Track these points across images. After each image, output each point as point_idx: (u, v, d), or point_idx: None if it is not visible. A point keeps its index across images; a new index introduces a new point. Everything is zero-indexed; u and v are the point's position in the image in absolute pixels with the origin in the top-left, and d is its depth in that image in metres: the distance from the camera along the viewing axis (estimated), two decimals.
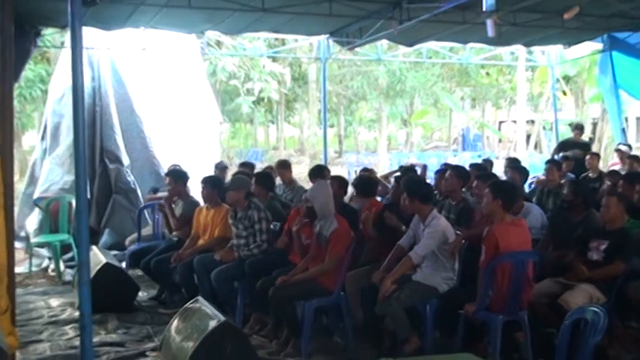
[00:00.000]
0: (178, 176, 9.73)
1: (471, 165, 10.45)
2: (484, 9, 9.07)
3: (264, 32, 14.14)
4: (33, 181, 12.10)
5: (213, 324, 5.95)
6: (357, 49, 14.83)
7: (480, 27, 10.80)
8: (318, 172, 9.64)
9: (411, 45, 14.52)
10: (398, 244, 7.04)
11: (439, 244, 6.69)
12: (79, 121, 4.43)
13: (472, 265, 6.75)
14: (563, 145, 14.76)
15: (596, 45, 15.41)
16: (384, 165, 25.56)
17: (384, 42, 14.92)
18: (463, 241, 7.07)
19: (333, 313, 7.39)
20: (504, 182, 7.70)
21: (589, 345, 4.58)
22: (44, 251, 11.46)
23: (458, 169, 7.69)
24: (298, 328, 7.01)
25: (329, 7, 10.67)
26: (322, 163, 12.69)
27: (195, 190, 9.75)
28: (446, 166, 9.45)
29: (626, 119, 24.41)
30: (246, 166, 11.56)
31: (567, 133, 22.90)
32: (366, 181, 8.81)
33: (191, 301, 6.70)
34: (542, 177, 11.59)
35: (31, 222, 11.65)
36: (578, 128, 15.77)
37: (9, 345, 3.52)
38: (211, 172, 10.83)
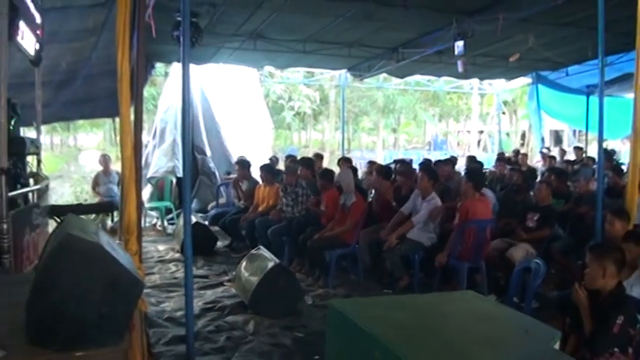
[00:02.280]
0: (244, 164, 9.95)
1: (437, 161, 10.31)
2: (456, 53, 9.01)
3: (303, 67, 14.33)
4: (146, 165, 12.13)
5: (270, 264, 5.96)
6: (365, 80, 14.78)
7: (450, 65, 10.91)
8: (345, 160, 10.40)
9: (402, 77, 14.73)
10: (400, 210, 7.03)
11: (432, 213, 6.68)
12: (186, 125, 4.38)
13: (446, 229, 6.77)
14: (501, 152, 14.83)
15: (527, 80, 15.54)
16: (380, 159, 25.71)
17: (383, 75, 14.88)
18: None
19: (350, 259, 7.36)
20: (475, 171, 7.78)
21: (533, 286, 4.52)
22: (154, 213, 11.48)
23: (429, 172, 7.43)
24: (326, 269, 7.00)
25: (348, 51, 11.04)
26: (340, 157, 12.69)
27: (255, 173, 9.76)
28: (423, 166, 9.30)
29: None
30: (292, 157, 11.58)
31: (505, 140, 22.88)
32: (387, 169, 8.81)
33: (254, 249, 6.69)
34: (493, 169, 11.58)
35: (145, 193, 11.67)
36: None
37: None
38: (266, 161, 10.80)
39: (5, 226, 4.57)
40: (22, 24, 5.54)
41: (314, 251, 7.10)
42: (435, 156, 17.75)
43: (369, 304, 3.32)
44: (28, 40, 6.20)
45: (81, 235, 2.62)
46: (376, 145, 36.48)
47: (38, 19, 6.65)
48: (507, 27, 8.26)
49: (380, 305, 3.22)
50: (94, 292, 2.56)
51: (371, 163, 11.12)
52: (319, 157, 11.36)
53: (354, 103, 31.49)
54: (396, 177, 8.58)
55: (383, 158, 24.31)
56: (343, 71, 14.22)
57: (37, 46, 6.74)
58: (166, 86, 14.01)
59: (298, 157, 11.30)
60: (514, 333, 2.78)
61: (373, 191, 8.44)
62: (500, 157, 12.23)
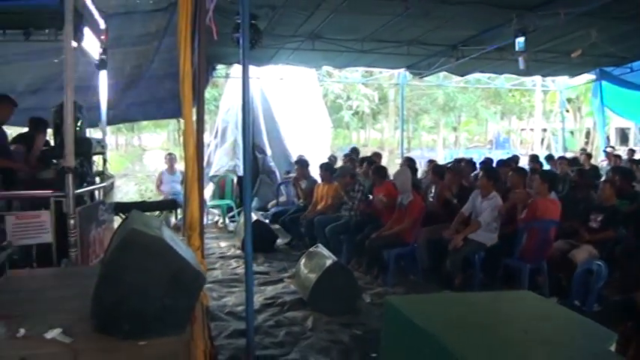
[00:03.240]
0: (303, 163, 10.02)
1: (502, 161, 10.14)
2: (516, 49, 8.84)
3: (361, 67, 14.33)
4: (208, 164, 12.37)
5: (329, 262, 6.00)
6: (424, 78, 14.65)
7: (511, 62, 10.65)
8: (405, 160, 10.41)
9: (462, 75, 14.48)
10: (461, 211, 6.95)
11: (495, 213, 6.57)
12: (246, 126, 4.46)
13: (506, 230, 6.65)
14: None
15: (590, 76, 15.00)
16: (440, 159, 25.43)
17: (443, 72, 14.70)
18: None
19: (409, 258, 7.31)
20: (551, 172, 7.64)
21: (595, 288, 4.40)
22: (215, 210, 11.71)
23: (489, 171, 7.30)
24: (385, 267, 6.99)
25: (407, 49, 10.91)
26: (399, 157, 12.67)
27: (314, 172, 9.82)
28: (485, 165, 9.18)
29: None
30: (350, 156, 11.56)
31: (569, 138, 22.18)
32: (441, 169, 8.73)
33: (313, 247, 6.75)
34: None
35: (207, 191, 11.90)
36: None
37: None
38: (325, 160, 10.84)
39: (73, 221, 4.80)
40: (86, 30, 5.79)
41: (372, 250, 7.10)
42: (496, 155, 17.43)
43: (424, 301, 3.31)
44: (92, 45, 6.48)
45: (144, 230, 2.73)
46: (437, 143, 36.01)
47: (102, 25, 6.94)
48: (569, 22, 8.06)
49: (436, 302, 3.21)
50: (158, 284, 2.65)
51: (431, 162, 11.03)
52: (378, 156, 11.33)
53: (414, 102, 31.17)
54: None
55: (443, 157, 24.01)
56: (402, 70, 14.11)
57: (102, 51, 7.04)
58: (227, 87, 14.27)
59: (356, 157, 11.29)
60: (570, 334, 2.72)
61: (432, 190, 8.37)
62: (550, 157, 11.97)
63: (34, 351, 2.74)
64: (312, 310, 5.80)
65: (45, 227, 4.88)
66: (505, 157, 12.53)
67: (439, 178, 8.05)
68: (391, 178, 7.98)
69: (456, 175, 8.09)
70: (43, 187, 5.50)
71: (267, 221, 9.64)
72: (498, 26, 9.16)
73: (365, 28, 9.65)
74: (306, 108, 14.73)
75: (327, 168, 9.11)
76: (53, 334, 2.99)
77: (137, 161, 29.09)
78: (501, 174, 7.77)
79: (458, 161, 10.63)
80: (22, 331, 3.11)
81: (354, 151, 12.16)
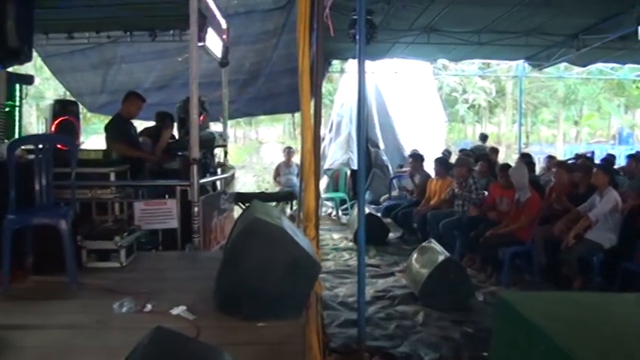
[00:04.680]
0: (417, 157, 9.90)
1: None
2: (639, 38, 8.32)
3: (478, 59, 13.99)
4: (323, 157, 12.56)
5: (441, 258, 5.95)
6: (544, 70, 14.11)
7: (635, 51, 10.24)
8: (522, 156, 10.03)
9: (584, 66, 13.79)
10: (576, 209, 6.63)
11: (610, 209, 6.21)
12: (361, 120, 4.55)
13: (629, 231, 6.24)
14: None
15: None
16: (559, 154, 24.32)
17: (564, 63, 14.06)
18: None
19: (525, 257, 7.09)
20: None
21: None
22: (329, 203, 11.91)
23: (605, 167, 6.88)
24: (499, 266, 6.82)
25: (525, 40, 10.55)
26: (517, 152, 12.29)
27: (428, 166, 9.76)
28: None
29: None
30: (465, 152, 11.41)
31: None
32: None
33: (425, 242, 6.72)
34: None
35: (321, 184, 12.13)
36: None
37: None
38: (439, 154, 10.73)
39: (196, 209, 5.18)
40: (209, 30, 6.13)
41: (487, 247, 6.95)
42: (619, 151, 16.45)
43: (539, 298, 3.22)
44: (215, 44, 6.85)
45: (266, 219, 2.89)
46: (556, 138, 34.34)
47: (224, 25, 7.31)
48: None
49: (551, 300, 3.11)
50: (276, 270, 2.81)
51: (550, 158, 10.63)
52: (495, 151, 11.09)
53: (533, 95, 30.00)
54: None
55: (563, 153, 22.95)
56: (520, 61, 13.69)
57: (224, 49, 7.41)
58: (342, 82, 14.46)
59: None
60: None
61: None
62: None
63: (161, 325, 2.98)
64: (423, 306, 5.78)
65: (171, 214, 5.28)
66: (629, 152, 11.79)
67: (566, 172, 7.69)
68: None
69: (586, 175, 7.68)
70: (168, 177, 5.93)
71: (379, 215, 9.68)
72: (620, 13, 8.69)
73: (482, 20, 9.45)
74: (420, 102, 14.62)
75: (441, 162, 9.03)
76: (178, 310, 3.26)
77: (254, 154, 29.99)
78: (629, 170, 7.34)
79: (577, 157, 10.15)
80: (149, 306, 3.41)
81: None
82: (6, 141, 5.04)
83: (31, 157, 4.35)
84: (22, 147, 4.57)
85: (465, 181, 7.97)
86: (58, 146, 4.50)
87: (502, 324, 3.01)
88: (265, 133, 42.43)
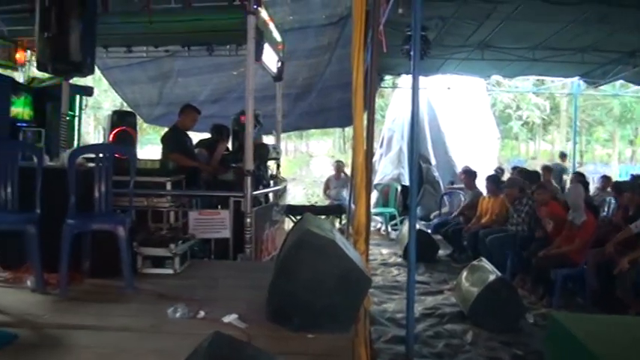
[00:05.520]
0: (470, 173, 9.94)
1: None
2: None
3: (532, 75, 13.86)
4: (373, 172, 12.57)
5: (492, 277, 5.88)
6: (599, 87, 13.82)
7: None
8: (578, 176, 9.81)
9: None
10: (629, 226, 6.43)
11: None
12: (414, 135, 4.56)
13: None
14: None
15: None
16: (614, 174, 23.73)
17: (620, 81, 13.73)
18: None
19: (577, 279, 6.91)
20: None
21: None
22: (378, 218, 11.88)
23: None
24: (551, 288, 6.67)
25: (581, 57, 10.42)
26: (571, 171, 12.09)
27: (479, 183, 9.68)
28: None
29: None
30: (518, 169, 11.21)
31: None
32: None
33: (476, 260, 6.65)
34: None
35: (371, 199, 12.11)
36: None
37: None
38: (491, 172, 10.61)
39: (249, 220, 5.30)
40: (266, 46, 6.27)
41: (539, 268, 6.82)
42: None
43: (592, 320, 3.19)
44: (270, 58, 6.99)
45: (318, 232, 2.94)
46: (611, 158, 33.46)
47: (279, 40, 7.43)
48: None
49: (604, 323, 3.07)
50: (327, 282, 2.85)
51: (605, 179, 10.37)
52: (548, 169, 10.87)
53: (588, 112, 29.34)
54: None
55: (618, 173, 22.30)
56: (575, 78, 13.45)
57: (279, 64, 7.57)
58: (394, 97, 14.47)
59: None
60: None
61: (606, 208, 7.86)
62: None
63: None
64: (472, 325, 5.71)
65: (224, 224, 5.42)
66: None
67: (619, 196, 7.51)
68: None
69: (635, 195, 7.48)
70: (222, 188, 6.06)
71: (429, 231, 9.62)
72: None
73: (537, 36, 9.36)
74: (473, 118, 14.48)
75: (493, 180, 8.92)
76: (230, 318, 3.34)
77: (304, 167, 30.25)
78: None
79: (635, 177, 9.85)
80: (202, 313, 3.51)
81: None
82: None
83: (92, 165, 4.55)
84: (83, 155, 4.77)
85: (519, 201, 7.85)
86: (116, 155, 4.66)
87: (554, 345, 2.99)
88: (315, 146, 42.66)
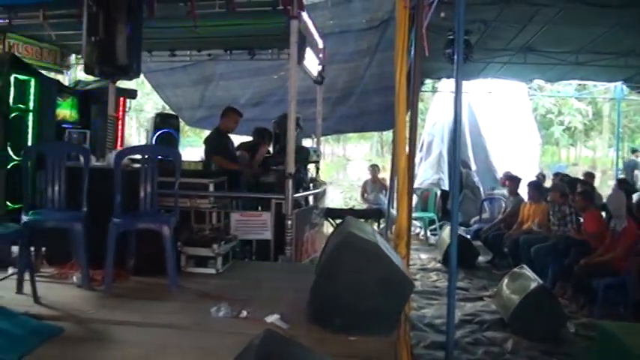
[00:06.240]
0: (515, 179, 9.81)
1: None
2: None
3: (575, 80, 13.74)
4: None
5: (533, 285, 5.80)
6: None
7: None
8: (620, 182, 9.97)
9: None
10: None
11: None
12: (457, 140, 4.53)
13: None
14: None
15: None
16: None
17: None
18: None
19: (619, 289, 6.76)
20: None
21: None
22: (417, 223, 11.80)
23: None
24: (592, 297, 6.54)
25: (624, 61, 10.18)
26: (613, 177, 11.82)
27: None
28: None
29: None
30: (560, 175, 11.03)
31: None
32: None
33: (517, 267, 6.57)
34: None
35: None
36: None
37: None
38: (532, 177, 10.46)
39: (290, 222, 5.36)
40: (308, 50, 6.33)
41: (580, 277, 6.71)
42: None
43: None
44: (311, 62, 7.06)
45: (361, 235, 2.96)
46: None
47: (320, 44, 7.52)
48: None
49: None
50: (370, 285, 2.87)
51: None
52: (590, 176, 10.67)
53: (630, 118, 28.68)
54: None
55: None
56: (618, 83, 13.17)
57: (320, 68, 7.63)
58: (434, 101, 14.38)
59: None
60: None
61: None
62: None
63: (255, 331, 3.09)
64: (512, 333, 5.64)
65: (265, 225, 5.50)
66: None
67: None
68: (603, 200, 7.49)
69: None
70: (263, 190, 6.14)
71: (468, 237, 9.52)
72: None
73: (579, 40, 9.21)
74: (514, 123, 14.28)
75: (535, 186, 8.80)
76: (272, 318, 3.39)
77: (341, 170, 30.27)
78: None
79: None
80: (244, 312, 3.58)
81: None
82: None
83: (137, 166, 4.67)
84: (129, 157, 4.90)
85: (559, 208, 7.74)
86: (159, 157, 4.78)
87: (602, 355, 2.95)
88: (352, 150, 42.66)
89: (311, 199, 7.09)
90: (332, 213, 8.43)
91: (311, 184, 7.18)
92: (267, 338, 1.67)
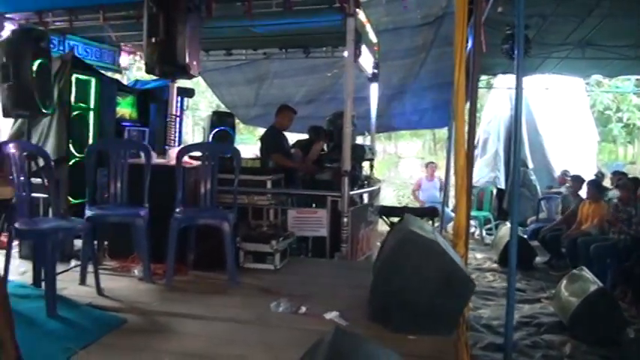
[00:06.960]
0: (578, 179, 9.63)
1: None
2: None
3: (634, 75, 13.38)
4: None
5: (593, 288, 5.67)
6: None
7: None
8: None
9: None
10: None
11: None
12: (517, 138, 4.47)
13: None
14: None
15: None
16: None
17: None
18: None
19: None
20: None
21: None
22: (472, 221, 11.64)
23: None
24: None
25: None
26: None
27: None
28: None
29: None
30: (619, 174, 10.72)
31: None
32: None
33: (575, 269, 6.42)
34: None
35: None
36: None
37: None
38: (590, 176, 10.20)
39: (346, 219, 5.40)
40: (363, 47, 6.34)
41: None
42: None
43: None
44: (366, 60, 7.05)
45: (421, 233, 2.96)
46: None
47: (375, 41, 7.48)
48: None
49: None
50: (431, 283, 2.86)
51: None
52: None
53: None
54: None
55: None
56: None
57: (374, 65, 7.61)
58: (490, 98, 14.12)
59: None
60: None
61: None
62: None
63: (315, 327, 3.15)
64: (571, 336, 5.53)
65: (322, 223, 5.54)
66: None
67: None
68: None
69: None
70: (319, 188, 6.19)
71: (525, 237, 9.34)
72: None
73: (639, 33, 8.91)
74: (571, 120, 13.90)
75: (595, 185, 8.58)
76: (332, 315, 3.42)
77: (393, 168, 30.10)
78: None
79: None
80: (303, 308, 3.62)
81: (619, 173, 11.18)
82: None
83: (197, 163, 4.78)
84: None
85: (625, 207, 7.50)
86: None
87: None
88: (404, 148, 42.37)
89: (365, 196, 7.09)
90: (386, 211, 8.40)
91: (365, 182, 7.19)
92: (338, 335, 1.69)
